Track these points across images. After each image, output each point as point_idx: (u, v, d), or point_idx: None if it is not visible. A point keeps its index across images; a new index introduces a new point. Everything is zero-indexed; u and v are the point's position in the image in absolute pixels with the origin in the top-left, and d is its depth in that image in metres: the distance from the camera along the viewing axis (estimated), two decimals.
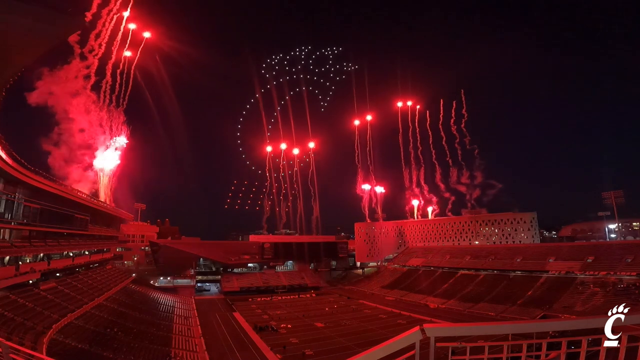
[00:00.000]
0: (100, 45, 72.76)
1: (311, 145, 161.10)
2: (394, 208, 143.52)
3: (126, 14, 76.38)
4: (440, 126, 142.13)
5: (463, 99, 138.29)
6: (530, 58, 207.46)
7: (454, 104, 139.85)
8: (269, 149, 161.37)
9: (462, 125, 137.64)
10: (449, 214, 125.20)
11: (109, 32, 71.36)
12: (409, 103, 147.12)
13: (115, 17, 70.39)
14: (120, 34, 76.76)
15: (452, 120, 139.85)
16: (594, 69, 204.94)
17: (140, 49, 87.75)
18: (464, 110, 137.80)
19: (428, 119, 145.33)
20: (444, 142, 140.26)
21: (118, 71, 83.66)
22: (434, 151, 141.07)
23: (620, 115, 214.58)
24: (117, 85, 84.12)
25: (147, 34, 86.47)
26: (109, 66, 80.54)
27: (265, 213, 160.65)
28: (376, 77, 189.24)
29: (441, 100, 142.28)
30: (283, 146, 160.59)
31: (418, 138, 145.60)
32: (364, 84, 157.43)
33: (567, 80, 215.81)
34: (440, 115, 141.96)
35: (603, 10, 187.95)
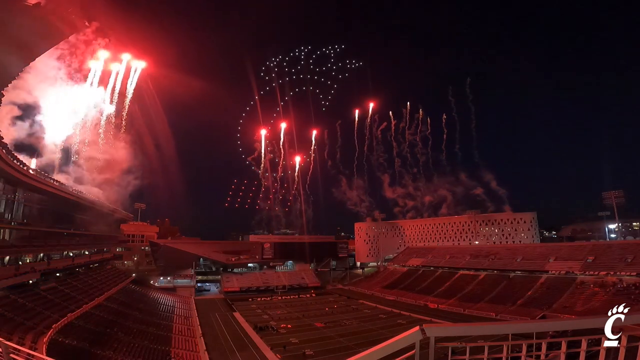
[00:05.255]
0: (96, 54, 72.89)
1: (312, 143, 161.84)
2: (392, 208, 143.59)
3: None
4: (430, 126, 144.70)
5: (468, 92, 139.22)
6: (529, 57, 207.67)
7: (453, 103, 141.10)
8: (268, 148, 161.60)
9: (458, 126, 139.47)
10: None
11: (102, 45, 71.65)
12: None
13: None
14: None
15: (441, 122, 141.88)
16: (593, 68, 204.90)
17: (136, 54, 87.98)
18: (454, 112, 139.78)
19: (429, 121, 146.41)
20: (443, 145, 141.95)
21: (117, 73, 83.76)
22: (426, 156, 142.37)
23: (621, 115, 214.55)
24: (115, 85, 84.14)
25: (142, 63, 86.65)
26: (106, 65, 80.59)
27: (265, 213, 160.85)
28: (380, 74, 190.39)
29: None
30: (282, 142, 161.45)
31: (418, 139, 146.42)
32: (367, 81, 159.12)
33: (566, 80, 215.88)
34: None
35: (604, 8, 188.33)
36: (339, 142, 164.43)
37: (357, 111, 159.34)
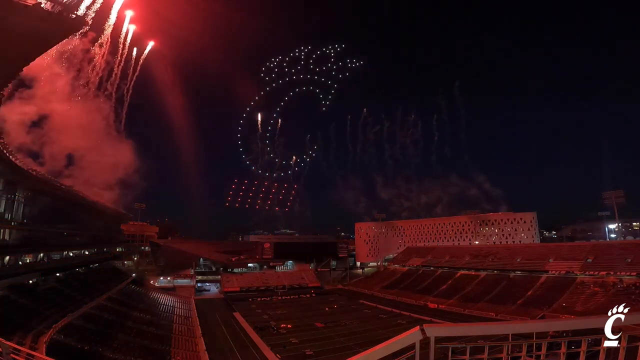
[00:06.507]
0: (102, 45, 72.51)
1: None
2: (392, 208, 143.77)
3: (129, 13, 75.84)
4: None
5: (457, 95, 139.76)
6: (529, 56, 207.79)
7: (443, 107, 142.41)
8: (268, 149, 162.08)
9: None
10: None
11: (110, 30, 71.04)
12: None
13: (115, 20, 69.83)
14: (123, 36, 76.65)
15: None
16: (593, 67, 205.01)
17: (142, 53, 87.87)
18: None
19: (420, 124, 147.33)
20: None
21: (119, 71, 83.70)
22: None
23: (621, 115, 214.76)
24: (117, 88, 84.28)
25: (151, 43, 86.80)
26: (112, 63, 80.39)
27: (265, 213, 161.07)
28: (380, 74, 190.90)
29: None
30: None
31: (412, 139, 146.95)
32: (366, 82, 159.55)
33: (566, 80, 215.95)
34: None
35: (603, 6, 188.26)
36: (339, 143, 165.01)
37: (349, 115, 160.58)
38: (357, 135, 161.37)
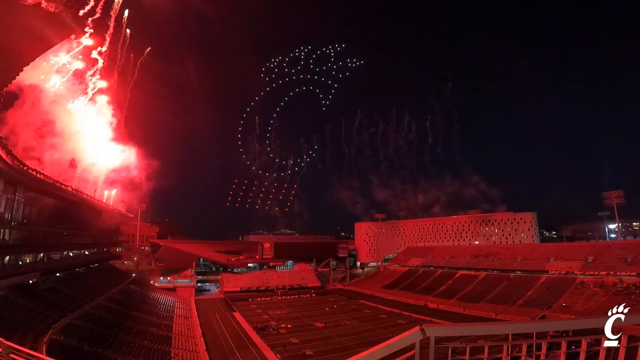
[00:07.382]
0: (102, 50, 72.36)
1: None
2: (392, 208, 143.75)
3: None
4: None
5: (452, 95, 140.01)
6: (528, 56, 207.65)
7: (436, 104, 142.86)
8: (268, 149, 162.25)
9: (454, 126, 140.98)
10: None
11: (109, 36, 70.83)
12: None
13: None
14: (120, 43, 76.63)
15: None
16: (593, 68, 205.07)
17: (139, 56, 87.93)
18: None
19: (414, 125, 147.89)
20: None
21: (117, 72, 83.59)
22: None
23: (621, 114, 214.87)
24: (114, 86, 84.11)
25: (149, 48, 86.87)
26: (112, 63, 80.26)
27: (264, 213, 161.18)
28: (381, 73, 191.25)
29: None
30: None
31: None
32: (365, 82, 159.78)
33: (566, 79, 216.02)
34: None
35: (603, 4, 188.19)
36: (339, 142, 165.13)
37: (349, 116, 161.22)
38: (358, 135, 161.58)
